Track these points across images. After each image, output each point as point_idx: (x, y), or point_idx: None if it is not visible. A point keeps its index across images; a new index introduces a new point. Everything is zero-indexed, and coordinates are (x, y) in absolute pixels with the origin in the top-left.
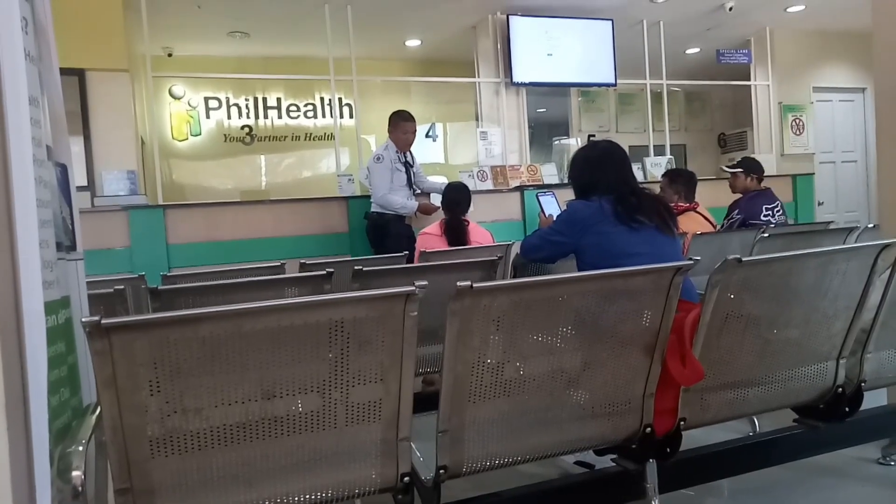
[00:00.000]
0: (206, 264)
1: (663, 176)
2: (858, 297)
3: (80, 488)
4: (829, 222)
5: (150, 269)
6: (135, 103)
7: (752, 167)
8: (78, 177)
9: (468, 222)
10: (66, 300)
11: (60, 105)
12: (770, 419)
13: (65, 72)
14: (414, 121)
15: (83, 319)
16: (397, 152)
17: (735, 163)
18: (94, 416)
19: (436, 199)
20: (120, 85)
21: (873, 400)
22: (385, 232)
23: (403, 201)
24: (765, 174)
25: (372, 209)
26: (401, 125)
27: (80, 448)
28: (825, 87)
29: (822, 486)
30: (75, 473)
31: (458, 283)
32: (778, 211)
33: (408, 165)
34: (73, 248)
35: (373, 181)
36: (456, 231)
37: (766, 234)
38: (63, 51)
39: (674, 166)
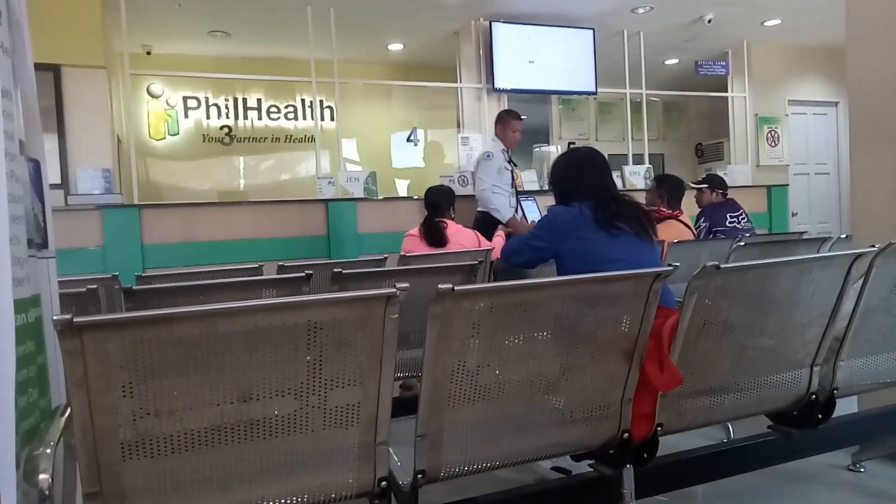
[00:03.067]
0: (182, 265)
1: (653, 180)
2: (832, 306)
3: (47, 492)
4: (802, 232)
5: (124, 270)
6: (111, 101)
7: (716, 183)
8: (51, 174)
9: (446, 224)
10: (37, 298)
11: (34, 99)
12: (744, 426)
13: (40, 67)
14: (521, 120)
15: (54, 318)
16: (503, 150)
17: (700, 179)
18: (64, 418)
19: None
20: (97, 82)
21: (844, 407)
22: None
23: (502, 205)
24: (729, 188)
25: (479, 207)
26: (511, 123)
27: (49, 450)
28: (800, 100)
29: (794, 492)
30: (42, 477)
31: (440, 286)
32: (743, 218)
33: (513, 166)
34: (44, 245)
35: (478, 177)
36: (433, 233)
37: (742, 243)
38: (38, 46)
39: (652, 175)
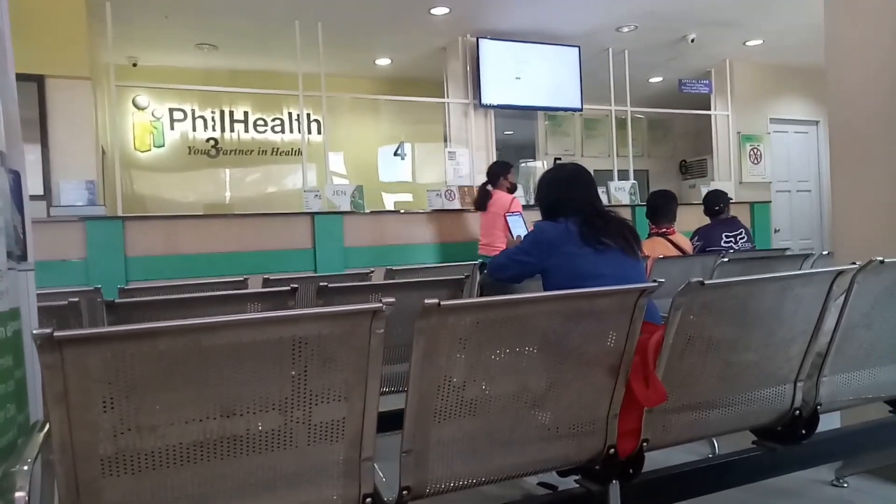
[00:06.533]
0: (166, 278)
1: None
2: (815, 322)
3: None
4: (785, 249)
5: (106, 282)
6: (96, 112)
7: (705, 203)
8: (33, 185)
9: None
10: (16, 312)
11: (15, 110)
12: (729, 441)
13: (24, 77)
14: None
15: (34, 332)
16: None
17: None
18: (42, 434)
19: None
20: (81, 93)
21: (828, 423)
22: None
23: None
24: (718, 207)
25: None
26: None
27: (26, 467)
28: (781, 118)
29: None
30: (19, 494)
31: (426, 301)
32: (741, 238)
33: None
34: (23, 258)
35: None
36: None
37: (726, 259)
38: (22, 56)
39: (636, 192)
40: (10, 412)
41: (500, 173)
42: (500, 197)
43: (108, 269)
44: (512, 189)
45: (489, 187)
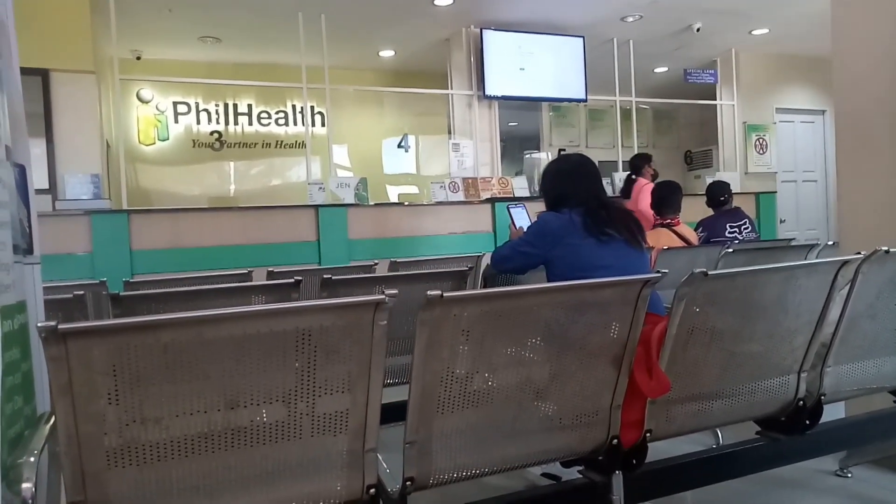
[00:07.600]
0: (171, 271)
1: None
2: (819, 312)
3: (30, 501)
4: (790, 239)
5: (112, 276)
6: (101, 106)
7: (708, 194)
8: (39, 179)
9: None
10: (22, 305)
11: (20, 104)
12: (733, 432)
13: (28, 72)
14: None
15: (39, 324)
16: None
17: None
18: (48, 426)
19: None
20: (85, 86)
21: (832, 413)
22: None
23: None
24: (723, 198)
25: None
26: None
27: (32, 459)
28: (787, 108)
29: (782, 497)
30: (25, 485)
31: (428, 293)
32: (746, 228)
33: None
34: (29, 251)
35: None
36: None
37: (730, 250)
38: (27, 50)
39: None
40: (17, 404)
41: (640, 165)
42: (641, 185)
43: (113, 263)
44: (654, 176)
45: (633, 177)
